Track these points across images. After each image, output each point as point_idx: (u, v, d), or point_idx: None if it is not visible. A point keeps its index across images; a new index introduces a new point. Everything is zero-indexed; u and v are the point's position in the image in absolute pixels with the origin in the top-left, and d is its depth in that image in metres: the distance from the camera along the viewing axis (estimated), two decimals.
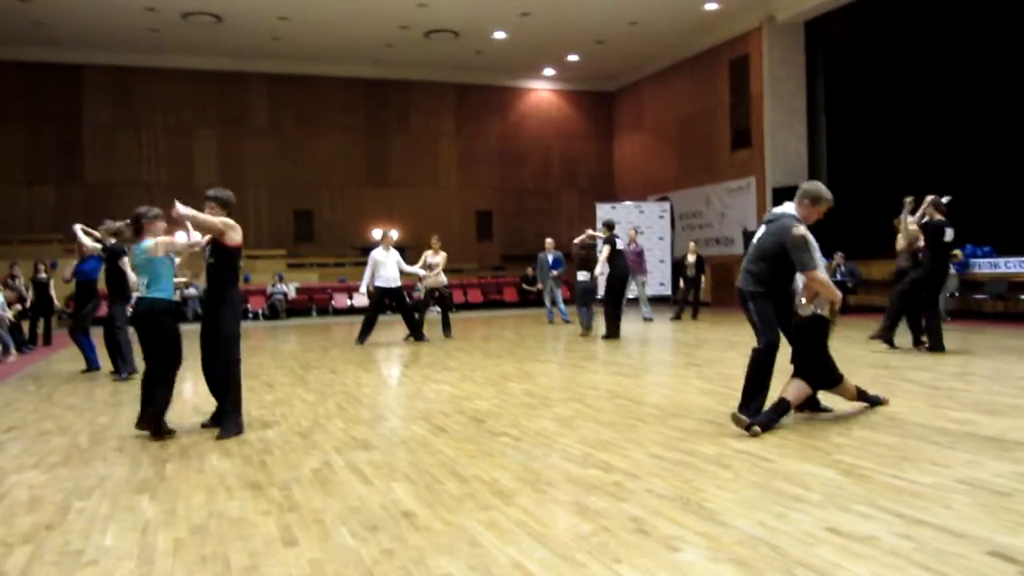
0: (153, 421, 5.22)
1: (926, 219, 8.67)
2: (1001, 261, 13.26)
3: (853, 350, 9.07)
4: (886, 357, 8.46)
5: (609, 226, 11.85)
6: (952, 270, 12.94)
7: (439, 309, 12.71)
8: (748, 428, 4.82)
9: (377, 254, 11.65)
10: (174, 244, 5.45)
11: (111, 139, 19.77)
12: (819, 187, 5.22)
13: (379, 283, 11.59)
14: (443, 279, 12.45)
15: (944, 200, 8.69)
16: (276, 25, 17.78)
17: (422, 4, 16.72)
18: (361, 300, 19.21)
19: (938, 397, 6.03)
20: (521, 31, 18.54)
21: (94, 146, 19.69)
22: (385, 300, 11.81)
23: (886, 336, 8.94)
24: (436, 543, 3.16)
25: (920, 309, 8.84)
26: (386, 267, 11.52)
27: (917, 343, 8.88)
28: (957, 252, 13.29)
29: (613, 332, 11.38)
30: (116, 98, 19.80)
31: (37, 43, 18.32)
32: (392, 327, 13.69)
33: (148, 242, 5.40)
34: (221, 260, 5.43)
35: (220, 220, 5.35)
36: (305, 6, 16.67)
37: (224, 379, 5.39)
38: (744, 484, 3.83)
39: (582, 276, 12.25)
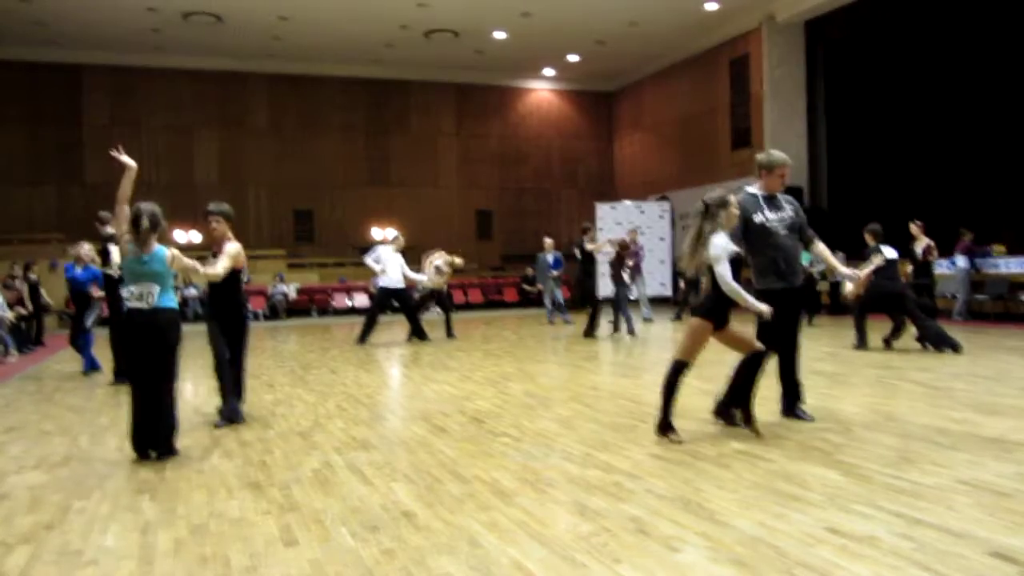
0: (169, 443, 4.85)
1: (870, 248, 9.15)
2: (1001, 261, 13.25)
3: (854, 351, 9.08)
4: (887, 358, 8.46)
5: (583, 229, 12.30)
6: (947, 269, 12.93)
7: (440, 310, 12.74)
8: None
9: (384, 251, 11.67)
10: (188, 267, 5.17)
11: (111, 139, 19.65)
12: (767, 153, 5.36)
13: (384, 283, 11.59)
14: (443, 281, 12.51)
15: (875, 226, 9.20)
16: (276, 25, 17.78)
17: (422, 4, 16.72)
18: (362, 300, 19.32)
19: (939, 397, 6.03)
20: (521, 31, 18.53)
21: (94, 146, 19.68)
22: (391, 300, 11.83)
23: (860, 346, 9.31)
24: (436, 543, 3.16)
25: (862, 316, 9.33)
26: (392, 267, 11.53)
27: (859, 344, 9.27)
28: (999, 247, 13.48)
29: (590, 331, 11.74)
30: (116, 98, 19.80)
31: (37, 43, 18.32)
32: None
33: (165, 251, 4.92)
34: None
35: (233, 254, 5.70)
36: (305, 6, 16.67)
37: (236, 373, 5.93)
38: (744, 484, 3.83)
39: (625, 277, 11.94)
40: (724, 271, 4.67)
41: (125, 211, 4.86)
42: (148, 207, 4.81)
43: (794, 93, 17.78)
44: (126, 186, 4.90)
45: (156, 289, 4.79)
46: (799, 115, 17.83)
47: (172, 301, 4.91)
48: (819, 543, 3.02)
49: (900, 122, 16.39)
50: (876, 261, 8.88)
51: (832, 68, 17.78)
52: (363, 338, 11.58)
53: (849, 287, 9.19)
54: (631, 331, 11.56)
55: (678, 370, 4.83)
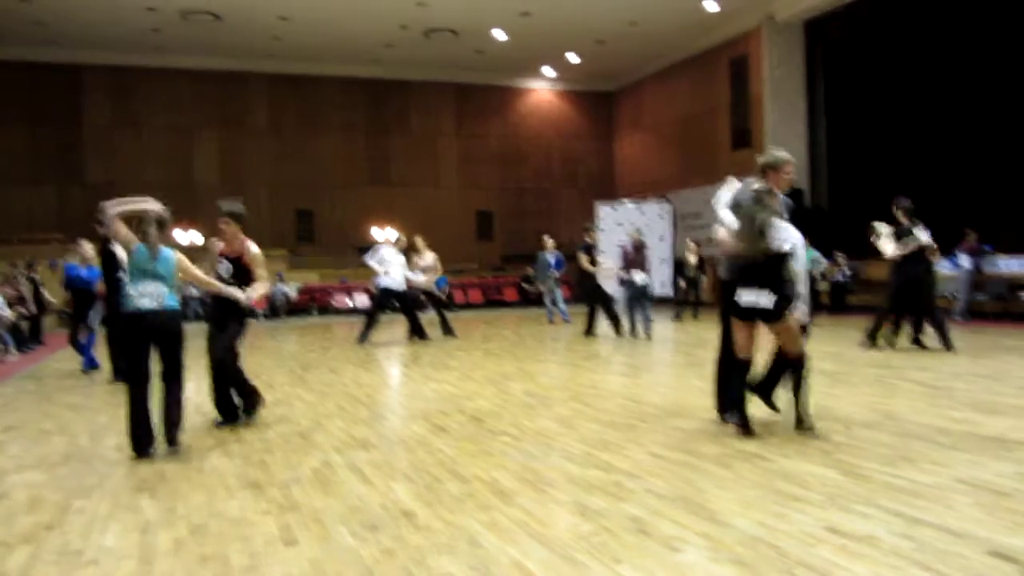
0: (176, 435, 4.90)
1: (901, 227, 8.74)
2: (1002, 261, 13.26)
3: (855, 351, 9.07)
4: (887, 357, 8.45)
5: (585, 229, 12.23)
6: (950, 269, 12.92)
7: (434, 309, 12.77)
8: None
9: (387, 251, 11.69)
10: (199, 279, 5.35)
11: (111, 139, 19.78)
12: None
13: (386, 283, 11.58)
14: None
15: (906, 203, 8.75)
16: (276, 25, 17.79)
17: (422, 4, 16.72)
18: (362, 300, 19.35)
19: (938, 397, 6.03)
20: (521, 31, 18.53)
21: (94, 146, 19.70)
22: (391, 300, 11.80)
23: (871, 342, 9.10)
24: (436, 543, 3.16)
25: (917, 310, 8.97)
26: (394, 267, 11.54)
27: (916, 340, 8.99)
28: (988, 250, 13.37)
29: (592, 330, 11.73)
30: (116, 98, 19.81)
31: (37, 43, 18.32)
32: (392, 327, 13.68)
33: (172, 254, 5.00)
34: (240, 277, 5.70)
35: (263, 265, 5.75)
36: (305, 6, 16.68)
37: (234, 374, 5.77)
38: (744, 484, 3.83)
39: (640, 278, 11.39)
40: (802, 258, 4.78)
41: (120, 226, 4.85)
42: (164, 211, 4.94)
43: (794, 93, 17.77)
44: (133, 211, 4.88)
45: (165, 289, 4.88)
46: (799, 115, 17.83)
47: (176, 301, 5.00)
48: (819, 543, 3.02)
49: (901, 122, 16.39)
50: (911, 245, 8.48)
51: (832, 68, 17.78)
52: (363, 338, 11.58)
53: (890, 249, 8.57)
54: (619, 330, 11.49)
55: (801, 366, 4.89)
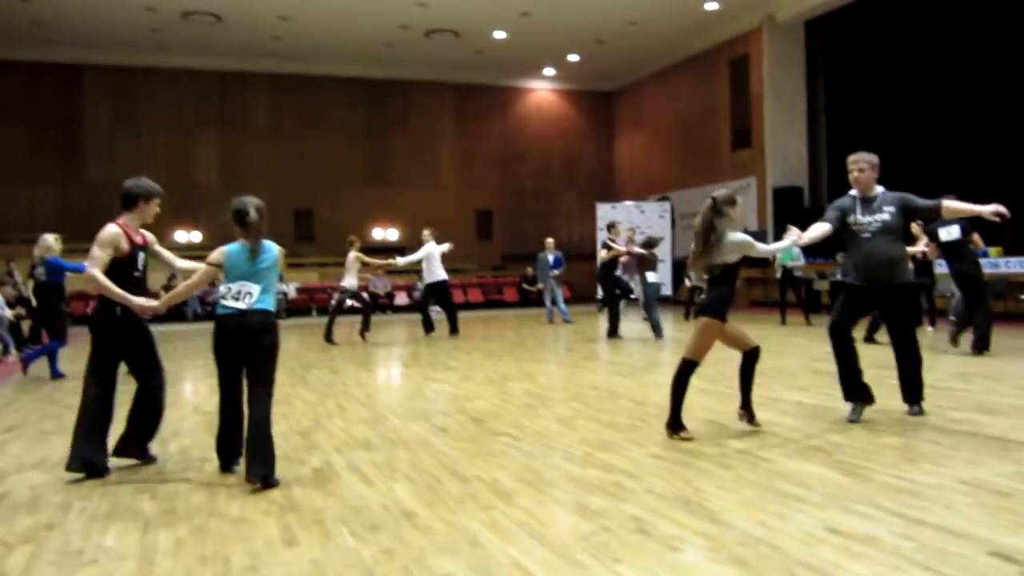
0: (272, 467, 4.14)
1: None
2: (1001, 261, 13.25)
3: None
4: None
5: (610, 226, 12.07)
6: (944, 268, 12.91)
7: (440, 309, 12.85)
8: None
9: (430, 247, 12.17)
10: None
11: (111, 139, 19.77)
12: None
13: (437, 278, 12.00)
14: (349, 282, 11.71)
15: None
16: (276, 25, 17.79)
17: (422, 4, 16.73)
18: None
19: (939, 397, 6.02)
20: (521, 31, 18.54)
21: (94, 146, 19.70)
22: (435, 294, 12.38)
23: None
24: (437, 543, 3.16)
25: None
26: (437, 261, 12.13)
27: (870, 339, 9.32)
28: (995, 249, 13.42)
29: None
30: (116, 98, 19.81)
31: (37, 43, 18.33)
32: (392, 327, 13.67)
33: (276, 246, 4.48)
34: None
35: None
36: (305, 6, 16.68)
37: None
38: (744, 484, 3.83)
39: (652, 277, 11.52)
40: (762, 248, 4.95)
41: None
42: (254, 200, 4.30)
43: (794, 93, 17.78)
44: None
45: (256, 289, 4.38)
46: (799, 115, 17.84)
47: (269, 303, 4.48)
48: (820, 543, 3.02)
49: (901, 122, 16.39)
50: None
51: (832, 68, 17.78)
52: (454, 328, 12.11)
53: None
54: (657, 332, 11.31)
55: (688, 370, 4.88)
